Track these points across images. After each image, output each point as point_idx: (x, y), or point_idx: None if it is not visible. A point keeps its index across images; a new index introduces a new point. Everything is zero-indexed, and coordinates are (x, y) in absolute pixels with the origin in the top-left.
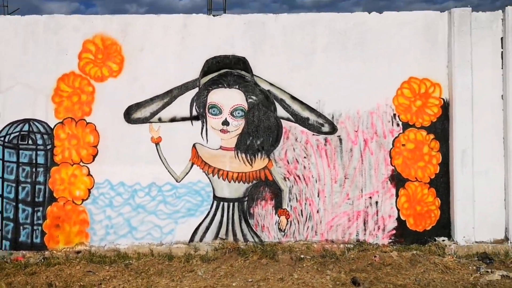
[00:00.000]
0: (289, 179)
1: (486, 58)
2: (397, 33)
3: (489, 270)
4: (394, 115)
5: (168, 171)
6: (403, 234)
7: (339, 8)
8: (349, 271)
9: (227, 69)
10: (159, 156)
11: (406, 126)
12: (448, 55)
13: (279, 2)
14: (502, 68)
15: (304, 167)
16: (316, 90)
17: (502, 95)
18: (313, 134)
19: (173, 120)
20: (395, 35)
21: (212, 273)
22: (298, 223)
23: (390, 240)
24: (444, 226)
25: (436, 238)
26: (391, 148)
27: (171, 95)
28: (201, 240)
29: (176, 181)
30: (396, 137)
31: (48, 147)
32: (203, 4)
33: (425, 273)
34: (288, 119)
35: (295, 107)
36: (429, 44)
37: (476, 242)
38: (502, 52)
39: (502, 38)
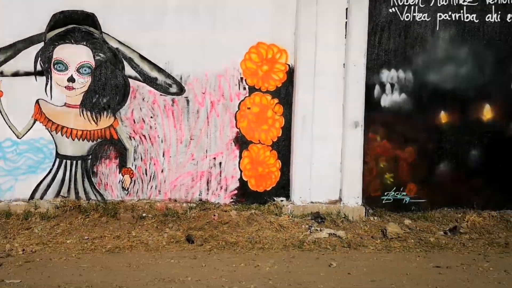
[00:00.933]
0: (134, 139)
1: (331, 28)
2: None
3: (319, 229)
4: (241, 78)
5: (9, 126)
6: (244, 194)
7: None
8: (187, 229)
9: (75, 25)
10: (0, 111)
11: (252, 90)
12: (295, 22)
13: None
14: (345, 38)
15: (150, 127)
16: (166, 51)
17: (344, 64)
18: (161, 95)
19: (16, 74)
20: (245, 0)
21: (49, 230)
22: (142, 182)
23: (232, 200)
24: (284, 187)
25: (275, 198)
26: (237, 111)
27: (14, 49)
28: (42, 197)
29: (17, 137)
30: (242, 101)
31: None
32: None
33: (259, 231)
34: (136, 79)
35: (144, 66)
36: (278, 11)
37: (311, 202)
38: (346, 22)
39: (346, 9)
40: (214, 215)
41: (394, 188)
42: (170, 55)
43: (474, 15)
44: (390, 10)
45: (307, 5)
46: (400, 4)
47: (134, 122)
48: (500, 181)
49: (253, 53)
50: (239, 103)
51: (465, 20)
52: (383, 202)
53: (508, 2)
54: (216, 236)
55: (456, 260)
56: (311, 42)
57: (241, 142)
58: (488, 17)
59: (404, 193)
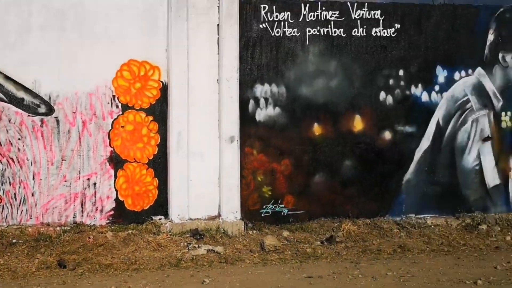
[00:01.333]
0: (1, 162)
1: (203, 44)
2: (117, 16)
3: (197, 246)
4: (114, 96)
5: None
6: (121, 215)
7: None
8: (60, 254)
9: None
10: None
11: (125, 108)
12: (167, 39)
13: None
14: (218, 54)
15: (19, 149)
16: (33, 70)
17: (218, 80)
18: (29, 115)
19: None
20: (114, 18)
21: None
22: (12, 207)
23: (108, 221)
24: (162, 205)
25: (153, 217)
26: (110, 130)
27: None
28: None
29: None
30: (115, 119)
31: None
32: None
33: (136, 252)
34: (1, 100)
35: (9, 87)
36: (149, 28)
37: (190, 219)
38: (218, 38)
39: (218, 25)
40: (89, 238)
41: (273, 201)
42: (37, 75)
43: (342, 30)
44: (261, 26)
45: (178, 21)
46: (271, 19)
47: (1, 145)
48: (373, 190)
49: (125, 71)
50: (113, 122)
51: (333, 34)
52: (262, 215)
53: (373, 17)
54: (90, 259)
55: (328, 269)
56: (184, 58)
57: (116, 161)
58: (355, 32)
59: (282, 205)
